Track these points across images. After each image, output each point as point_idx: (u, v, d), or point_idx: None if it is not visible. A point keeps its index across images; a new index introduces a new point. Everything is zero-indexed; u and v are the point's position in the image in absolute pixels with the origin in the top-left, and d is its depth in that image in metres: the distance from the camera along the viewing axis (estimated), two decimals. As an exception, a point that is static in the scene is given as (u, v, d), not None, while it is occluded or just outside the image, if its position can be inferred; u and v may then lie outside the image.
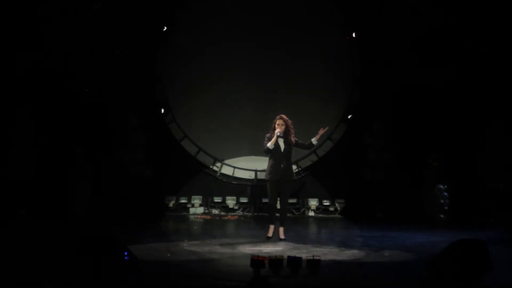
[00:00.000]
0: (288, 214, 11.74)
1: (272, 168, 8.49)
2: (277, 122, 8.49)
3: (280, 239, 8.46)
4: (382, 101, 11.66)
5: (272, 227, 8.60)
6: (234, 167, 12.24)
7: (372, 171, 11.47)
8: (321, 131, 8.60)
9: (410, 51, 11.44)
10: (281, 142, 8.52)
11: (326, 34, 12.22)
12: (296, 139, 8.61)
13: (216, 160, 12.34)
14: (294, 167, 12.02)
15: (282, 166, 8.49)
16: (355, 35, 12.17)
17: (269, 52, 12.12)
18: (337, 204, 12.00)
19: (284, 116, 8.55)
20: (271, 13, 12.11)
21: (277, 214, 8.88)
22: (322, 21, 12.22)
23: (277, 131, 8.43)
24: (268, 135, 8.58)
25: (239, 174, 12.23)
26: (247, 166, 12.21)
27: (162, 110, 12.16)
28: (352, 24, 12.15)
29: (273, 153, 8.52)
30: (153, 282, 5.84)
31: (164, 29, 12.08)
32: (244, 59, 12.14)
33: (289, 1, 12.21)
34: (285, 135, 8.50)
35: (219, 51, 12.13)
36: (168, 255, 7.24)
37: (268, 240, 8.50)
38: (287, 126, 8.49)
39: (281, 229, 8.58)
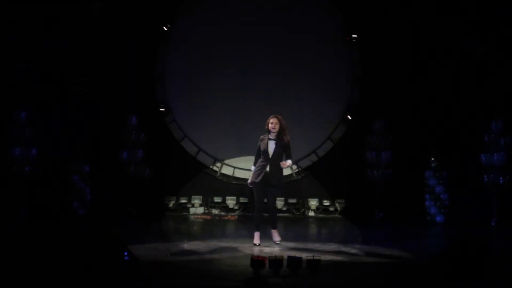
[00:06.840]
0: (287, 214, 11.84)
1: (258, 171, 7.97)
2: (271, 120, 7.98)
3: (276, 243, 8.02)
4: (382, 101, 11.65)
5: (257, 234, 8.01)
6: (234, 167, 12.24)
7: (372, 171, 11.47)
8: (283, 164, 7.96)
9: (410, 51, 11.44)
10: (272, 144, 7.97)
11: (326, 34, 12.21)
12: (289, 140, 7.98)
13: (216, 160, 12.34)
14: (294, 167, 12.10)
15: (268, 170, 7.97)
16: (355, 35, 12.17)
17: (269, 52, 12.11)
18: (337, 204, 11.99)
19: (279, 116, 8.03)
20: (271, 13, 12.10)
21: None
22: (322, 21, 12.21)
23: (249, 181, 8.01)
24: (262, 136, 8.09)
25: (239, 174, 12.22)
26: (247, 166, 12.15)
27: (162, 110, 12.17)
28: (352, 25, 12.15)
29: (263, 155, 8.02)
30: (153, 282, 5.83)
31: (164, 29, 12.09)
32: (244, 59, 12.13)
33: (289, 1, 12.21)
34: (278, 136, 7.96)
35: (219, 51, 12.12)
36: (168, 255, 7.24)
37: (255, 247, 7.87)
38: (281, 126, 7.95)
39: (274, 232, 8.11)
